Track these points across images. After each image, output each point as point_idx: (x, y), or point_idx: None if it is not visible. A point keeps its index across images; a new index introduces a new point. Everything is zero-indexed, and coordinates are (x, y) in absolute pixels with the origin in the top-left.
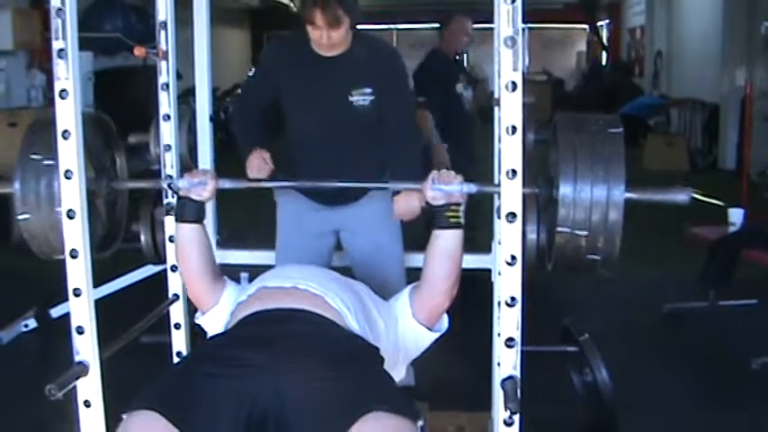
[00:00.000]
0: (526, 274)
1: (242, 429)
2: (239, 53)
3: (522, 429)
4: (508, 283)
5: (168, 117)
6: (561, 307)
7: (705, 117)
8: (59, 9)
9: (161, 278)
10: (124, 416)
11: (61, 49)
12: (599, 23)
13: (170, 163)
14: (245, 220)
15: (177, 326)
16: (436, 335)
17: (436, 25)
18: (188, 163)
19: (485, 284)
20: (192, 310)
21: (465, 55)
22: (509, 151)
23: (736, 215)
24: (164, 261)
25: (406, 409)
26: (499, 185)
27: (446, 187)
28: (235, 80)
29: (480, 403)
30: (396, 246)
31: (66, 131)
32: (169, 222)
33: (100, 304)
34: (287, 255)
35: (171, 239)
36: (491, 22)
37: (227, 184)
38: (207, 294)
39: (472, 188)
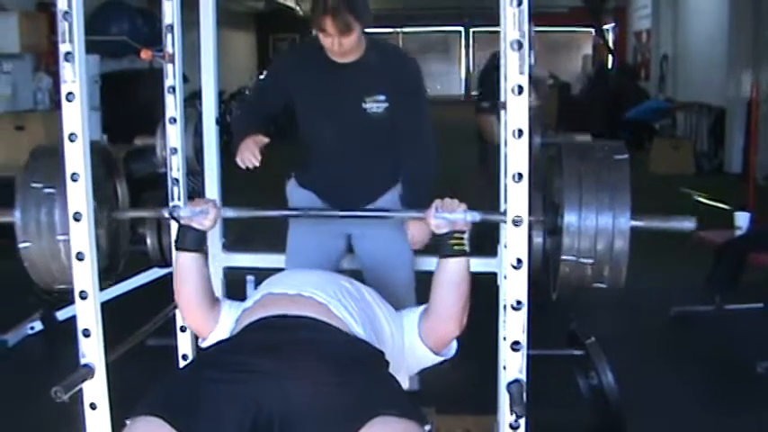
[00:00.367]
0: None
1: None
2: (245, 56)
3: None
4: (514, 287)
5: (174, 120)
6: (567, 310)
7: (711, 121)
8: (66, 12)
9: (167, 281)
10: (128, 421)
11: (68, 52)
12: (605, 27)
13: (176, 166)
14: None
15: (183, 329)
16: (441, 359)
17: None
18: (194, 166)
19: (491, 287)
20: None
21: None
22: (515, 154)
23: (742, 219)
24: (170, 264)
25: (413, 412)
26: (504, 214)
27: (450, 215)
28: (241, 83)
29: (486, 407)
30: (406, 250)
31: (72, 134)
32: (175, 226)
33: (106, 307)
34: (298, 257)
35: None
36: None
37: (229, 212)
38: (205, 322)
39: (476, 216)
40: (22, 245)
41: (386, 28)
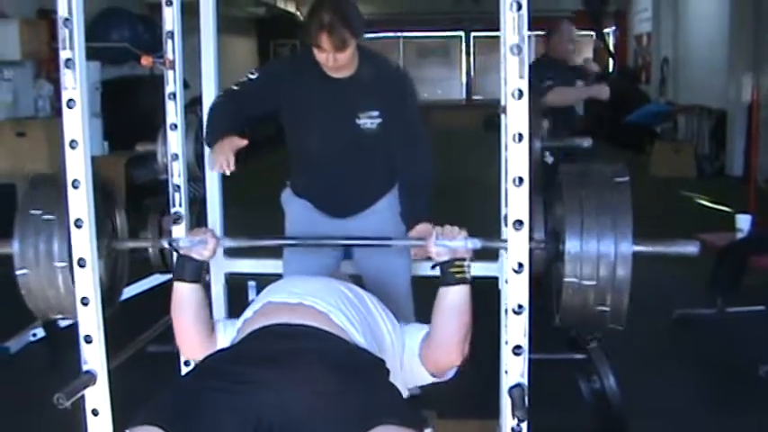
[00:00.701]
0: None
1: None
2: (246, 62)
3: None
4: (515, 291)
5: (175, 126)
6: None
7: (712, 124)
8: (66, 19)
9: (168, 287)
10: (127, 431)
11: (68, 59)
12: (605, 30)
13: (177, 172)
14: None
15: None
16: (438, 380)
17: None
18: (195, 171)
19: (492, 292)
20: None
21: None
22: (516, 159)
23: (743, 221)
24: (171, 270)
25: (413, 420)
26: (506, 241)
27: (450, 243)
28: None
29: (489, 411)
30: (403, 255)
31: (73, 141)
32: (176, 231)
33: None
34: (295, 262)
35: None
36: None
37: (228, 242)
38: (200, 348)
39: (477, 243)
40: (19, 272)
41: (386, 33)
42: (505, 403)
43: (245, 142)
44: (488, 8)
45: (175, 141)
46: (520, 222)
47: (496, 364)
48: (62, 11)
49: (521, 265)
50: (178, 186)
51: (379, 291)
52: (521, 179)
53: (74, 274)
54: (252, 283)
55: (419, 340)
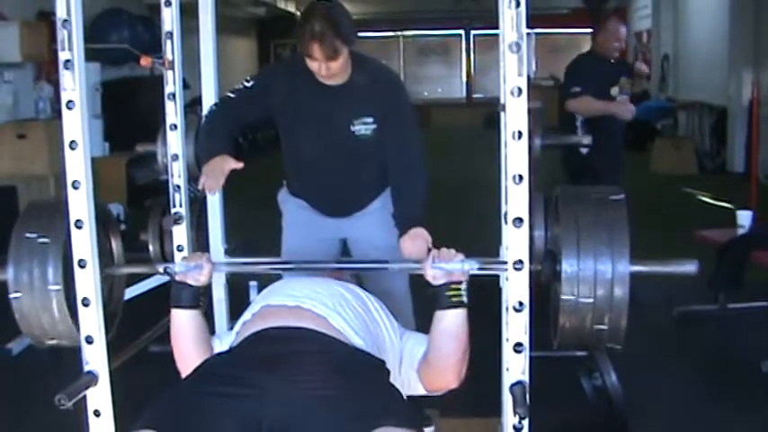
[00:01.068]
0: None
1: None
2: (246, 62)
3: None
4: (516, 289)
5: (175, 126)
6: None
7: (713, 120)
8: (65, 20)
9: (169, 288)
10: None
11: (67, 60)
12: None
13: (177, 172)
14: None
15: None
16: (431, 394)
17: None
18: (195, 172)
19: (493, 289)
20: None
21: None
22: (515, 156)
23: (744, 217)
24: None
25: (414, 421)
26: (505, 263)
27: (446, 266)
28: None
29: (491, 409)
30: (399, 254)
31: (73, 142)
32: (177, 232)
33: None
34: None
35: (179, 249)
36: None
37: (224, 267)
38: None
39: (474, 266)
40: (12, 295)
41: (386, 32)
42: (507, 401)
43: (239, 165)
44: (488, 6)
45: (175, 142)
46: (519, 220)
47: (498, 362)
48: (61, 12)
49: (521, 262)
50: (178, 186)
51: (378, 289)
52: (520, 176)
53: (72, 298)
54: (253, 283)
55: (419, 357)
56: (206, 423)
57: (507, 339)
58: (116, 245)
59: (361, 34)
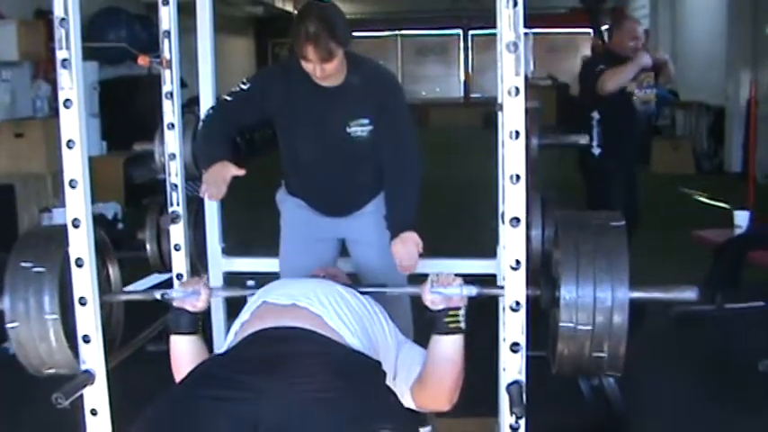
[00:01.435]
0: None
1: None
2: (243, 62)
3: None
4: (513, 288)
5: (173, 125)
6: None
7: (710, 120)
8: (63, 19)
9: (167, 287)
10: None
11: (65, 59)
12: (603, 27)
13: (175, 171)
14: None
15: None
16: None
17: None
18: (193, 171)
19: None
20: None
21: None
22: (512, 156)
23: (741, 218)
24: (169, 269)
25: (408, 425)
26: (503, 288)
27: (445, 290)
28: None
29: (488, 409)
30: None
31: (70, 141)
32: (174, 231)
33: None
34: (292, 259)
35: (176, 248)
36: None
37: (221, 292)
38: None
39: (472, 291)
40: (9, 325)
41: (384, 31)
42: (504, 400)
43: (240, 172)
44: (486, 5)
45: (173, 141)
46: (517, 219)
47: (495, 362)
48: (58, 11)
49: (518, 261)
50: (176, 185)
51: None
52: (517, 176)
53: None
54: (250, 282)
55: (414, 376)
56: (199, 426)
57: (504, 339)
58: (112, 270)
59: (358, 34)
